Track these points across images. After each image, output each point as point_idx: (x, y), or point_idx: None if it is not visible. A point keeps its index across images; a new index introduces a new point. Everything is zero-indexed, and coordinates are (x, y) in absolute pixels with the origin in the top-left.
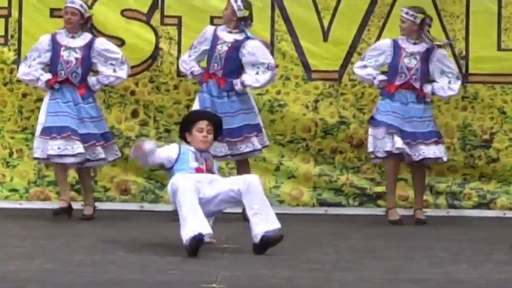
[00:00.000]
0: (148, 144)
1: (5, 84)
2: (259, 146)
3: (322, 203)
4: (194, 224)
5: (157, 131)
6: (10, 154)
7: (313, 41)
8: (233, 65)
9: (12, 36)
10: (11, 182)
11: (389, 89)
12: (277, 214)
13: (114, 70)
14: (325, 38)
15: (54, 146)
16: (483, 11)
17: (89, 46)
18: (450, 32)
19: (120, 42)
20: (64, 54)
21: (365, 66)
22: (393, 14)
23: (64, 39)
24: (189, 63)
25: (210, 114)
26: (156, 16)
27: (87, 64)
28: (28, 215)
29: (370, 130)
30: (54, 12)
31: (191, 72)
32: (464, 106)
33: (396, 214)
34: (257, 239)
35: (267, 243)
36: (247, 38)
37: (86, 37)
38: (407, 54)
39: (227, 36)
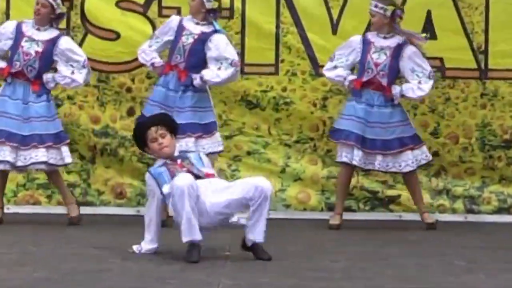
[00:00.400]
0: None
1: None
2: (208, 150)
3: (331, 208)
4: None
5: None
6: None
7: (321, 34)
8: (197, 58)
9: None
10: None
11: (355, 85)
12: (283, 219)
13: (72, 72)
14: (334, 31)
15: None
16: (504, 1)
17: (53, 42)
18: (468, 24)
19: (115, 35)
20: (24, 45)
21: (335, 67)
22: (407, 5)
23: (29, 29)
24: (149, 54)
25: (153, 118)
26: (154, 7)
27: (46, 60)
28: (17, 220)
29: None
30: None
31: (152, 64)
32: (483, 103)
33: (338, 219)
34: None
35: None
36: (215, 31)
37: (52, 32)
38: (376, 49)
39: (194, 28)
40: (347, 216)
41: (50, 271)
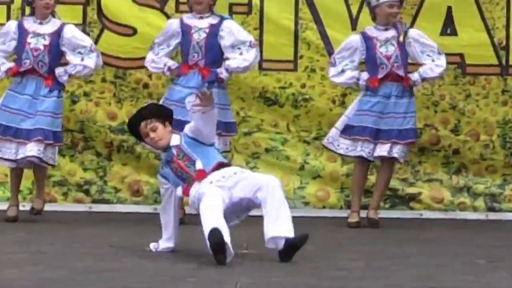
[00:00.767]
0: None
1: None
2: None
3: (351, 206)
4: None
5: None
6: None
7: (341, 30)
8: (215, 52)
9: None
10: None
11: (372, 85)
12: (302, 217)
13: (82, 59)
14: (354, 27)
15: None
16: None
17: (58, 33)
18: (489, 20)
19: (132, 31)
20: (31, 41)
21: (342, 71)
22: (427, 1)
23: (31, 25)
24: (160, 60)
25: (141, 112)
26: (171, 3)
27: (55, 53)
28: (31, 218)
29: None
30: None
31: (168, 68)
32: (504, 100)
33: (356, 217)
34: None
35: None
36: (222, 19)
37: (55, 23)
38: (381, 43)
39: (199, 23)
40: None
41: (64, 270)
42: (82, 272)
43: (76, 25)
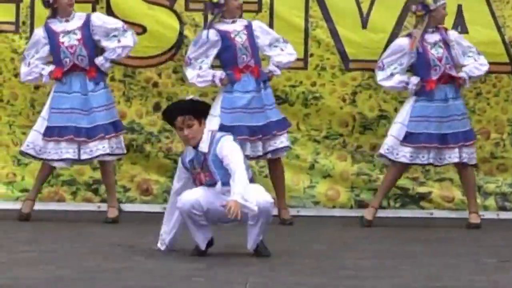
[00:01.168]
0: None
1: (16, 75)
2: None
3: (361, 205)
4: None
5: None
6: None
7: (351, 28)
8: (257, 51)
9: (23, 23)
10: (22, 182)
11: (429, 87)
12: (312, 216)
13: (119, 41)
14: (364, 25)
15: (53, 150)
16: None
17: (86, 24)
18: (499, 18)
19: (142, 30)
20: (64, 40)
21: (391, 75)
22: None
23: (58, 26)
24: (207, 74)
25: (181, 107)
26: (181, 1)
27: (90, 44)
28: (41, 217)
29: (396, 134)
30: None
31: (220, 79)
32: None
33: (372, 214)
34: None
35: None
36: (249, 21)
37: (80, 17)
38: (431, 45)
39: (234, 26)
40: (377, 213)
41: (73, 269)
42: (91, 271)
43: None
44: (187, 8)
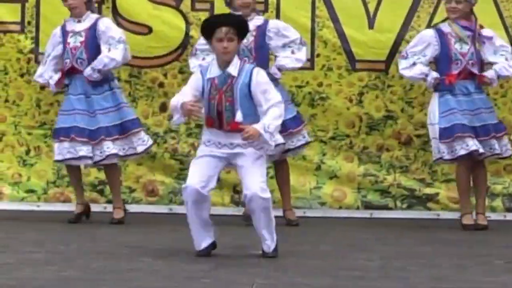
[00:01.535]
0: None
1: (21, 75)
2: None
3: (367, 206)
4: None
5: (187, 127)
6: (27, 152)
7: (358, 28)
8: (264, 53)
9: (29, 23)
10: (28, 182)
11: (449, 80)
12: (318, 218)
13: (109, 50)
14: (371, 25)
15: (64, 150)
16: None
17: (93, 27)
18: (507, 18)
19: (147, 30)
20: (70, 40)
21: (413, 64)
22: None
23: (71, 25)
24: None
25: (228, 18)
26: (187, 1)
27: (92, 48)
28: (46, 218)
29: (435, 135)
30: None
31: None
32: None
33: (470, 219)
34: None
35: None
36: (266, 20)
37: (91, 18)
38: (456, 40)
39: None
40: (384, 214)
41: (79, 270)
42: (97, 272)
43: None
44: (193, 8)
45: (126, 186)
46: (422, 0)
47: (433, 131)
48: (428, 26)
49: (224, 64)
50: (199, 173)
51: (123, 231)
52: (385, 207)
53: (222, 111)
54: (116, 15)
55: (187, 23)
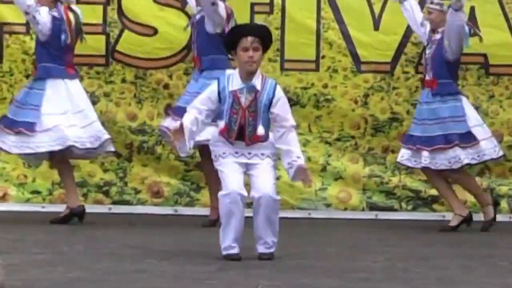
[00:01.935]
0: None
1: (27, 76)
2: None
3: (372, 207)
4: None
5: None
6: None
7: (363, 29)
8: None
9: None
10: (33, 184)
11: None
12: (323, 219)
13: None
14: (376, 27)
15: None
16: None
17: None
18: None
19: (153, 31)
20: None
21: None
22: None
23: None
24: None
25: (254, 28)
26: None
27: (37, 40)
28: (51, 219)
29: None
30: None
31: None
32: None
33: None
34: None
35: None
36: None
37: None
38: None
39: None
40: (389, 215)
41: (84, 271)
42: (103, 273)
43: (96, 24)
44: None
45: (132, 187)
46: (427, 2)
47: (482, 132)
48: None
49: (247, 75)
50: (236, 178)
51: (129, 232)
52: (390, 209)
53: (245, 126)
54: (122, 16)
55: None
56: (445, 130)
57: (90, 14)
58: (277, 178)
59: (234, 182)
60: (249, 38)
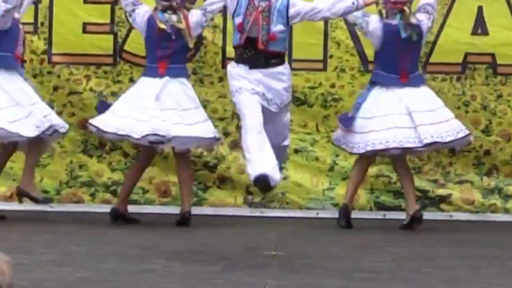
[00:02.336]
0: None
1: (34, 76)
2: None
3: (380, 207)
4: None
5: None
6: None
7: None
8: None
9: (42, 24)
10: (41, 183)
11: None
12: (331, 218)
13: None
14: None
15: None
16: None
17: None
18: None
19: None
20: None
21: None
22: (457, 0)
23: None
24: None
25: None
26: (200, 2)
27: None
28: (59, 218)
29: None
30: None
31: None
32: None
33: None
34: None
35: None
36: None
37: None
38: None
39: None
40: (397, 215)
41: (91, 271)
42: (110, 273)
43: (104, 24)
44: None
45: (139, 187)
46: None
47: None
48: (441, 27)
49: None
50: (256, 111)
51: (136, 232)
52: (398, 208)
53: (259, 29)
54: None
55: None
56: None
57: (98, 14)
58: (284, 178)
59: (255, 114)
60: None
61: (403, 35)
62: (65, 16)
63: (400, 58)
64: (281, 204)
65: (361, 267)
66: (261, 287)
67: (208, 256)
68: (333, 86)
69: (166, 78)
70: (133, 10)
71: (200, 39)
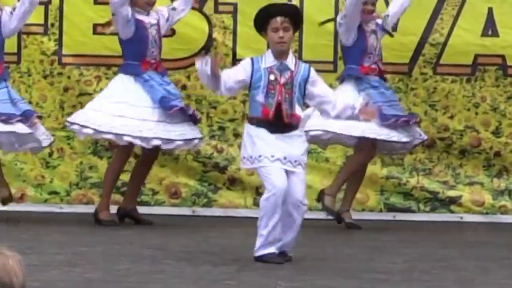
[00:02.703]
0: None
1: (45, 77)
2: None
3: (390, 208)
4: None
5: (210, 129)
6: (50, 154)
7: None
8: None
9: (52, 25)
10: (51, 184)
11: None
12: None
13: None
14: (394, 28)
15: None
16: None
17: None
18: None
19: (170, 32)
20: None
21: None
22: (468, 1)
23: None
24: None
25: (283, 8)
26: (210, 3)
27: None
28: (69, 219)
29: None
30: None
31: None
32: None
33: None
34: None
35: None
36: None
37: None
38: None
39: (149, 18)
40: (407, 217)
41: (102, 272)
42: (121, 274)
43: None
44: (216, 11)
45: (149, 188)
46: (445, 3)
47: None
48: (451, 28)
49: (279, 55)
50: (281, 177)
51: (146, 233)
52: (408, 210)
53: (282, 103)
54: None
55: (210, 25)
56: None
57: (107, 14)
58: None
59: (280, 180)
60: (278, 19)
61: None
62: (76, 17)
63: None
64: None
65: (373, 268)
66: None
67: (220, 257)
68: None
69: None
70: None
71: (210, 40)
